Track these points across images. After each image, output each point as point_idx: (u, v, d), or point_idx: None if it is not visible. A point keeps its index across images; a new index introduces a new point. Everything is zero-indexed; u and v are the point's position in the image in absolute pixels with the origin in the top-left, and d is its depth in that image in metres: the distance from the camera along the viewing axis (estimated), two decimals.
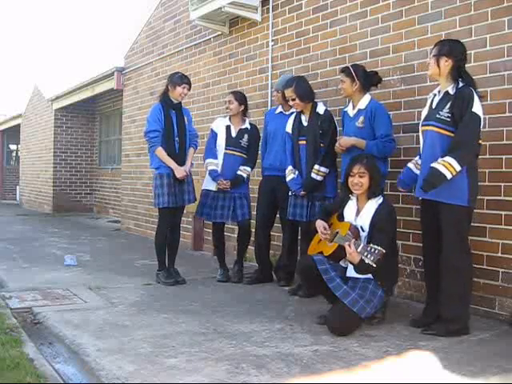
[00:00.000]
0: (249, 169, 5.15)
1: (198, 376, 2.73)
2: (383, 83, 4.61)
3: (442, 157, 3.35)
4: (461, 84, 3.43)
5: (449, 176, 3.32)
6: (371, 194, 3.67)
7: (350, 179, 3.69)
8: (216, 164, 5.08)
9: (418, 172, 3.68)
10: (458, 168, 3.31)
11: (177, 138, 5.01)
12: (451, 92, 3.45)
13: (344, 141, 4.19)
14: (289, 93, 4.55)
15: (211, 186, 5.10)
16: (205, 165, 5.16)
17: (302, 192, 4.52)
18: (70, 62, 21.49)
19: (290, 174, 4.65)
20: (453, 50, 3.49)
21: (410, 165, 3.81)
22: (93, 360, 2.95)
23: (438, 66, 3.49)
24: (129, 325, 3.64)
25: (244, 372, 2.79)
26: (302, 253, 4.67)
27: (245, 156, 5.14)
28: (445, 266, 3.45)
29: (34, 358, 2.99)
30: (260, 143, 5.25)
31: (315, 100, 4.63)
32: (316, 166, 4.46)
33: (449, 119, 3.39)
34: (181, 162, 5.00)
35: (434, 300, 3.60)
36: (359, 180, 3.65)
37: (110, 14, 39.19)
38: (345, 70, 4.26)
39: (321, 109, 4.56)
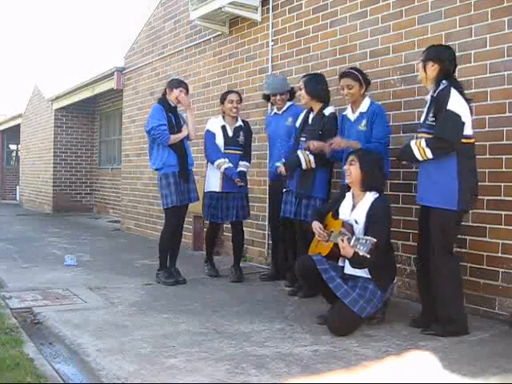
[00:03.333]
0: (248, 164, 5.22)
1: (198, 376, 2.73)
2: (383, 83, 4.62)
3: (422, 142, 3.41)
4: (442, 86, 3.41)
5: (418, 155, 3.41)
6: (365, 187, 3.65)
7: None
8: (228, 162, 5.07)
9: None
10: (430, 156, 3.37)
11: None
12: (434, 95, 3.45)
13: (340, 142, 4.15)
14: (299, 82, 4.62)
15: (215, 187, 5.12)
16: (216, 166, 5.11)
17: (279, 164, 4.56)
18: (70, 61, 21.47)
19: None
20: (439, 54, 3.48)
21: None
22: (93, 360, 2.95)
23: (425, 70, 3.50)
24: (129, 325, 3.64)
25: (244, 372, 2.79)
26: (298, 253, 4.67)
27: (242, 153, 5.20)
28: (433, 269, 3.45)
29: (34, 357, 2.98)
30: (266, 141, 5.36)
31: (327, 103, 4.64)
32: (307, 152, 4.43)
33: (434, 123, 3.39)
34: (183, 161, 5.02)
35: (428, 301, 3.61)
36: (348, 167, 3.68)
37: (110, 14, 39.20)
38: (350, 75, 4.19)
39: (327, 111, 4.57)
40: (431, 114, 3.41)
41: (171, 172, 4.96)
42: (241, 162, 5.15)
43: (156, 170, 5.09)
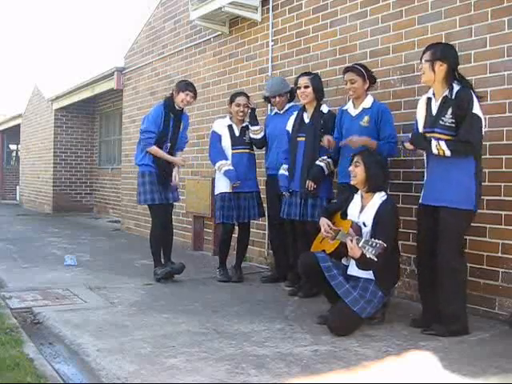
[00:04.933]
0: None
1: (198, 376, 2.73)
2: (383, 83, 4.62)
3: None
4: (457, 87, 3.40)
5: (434, 150, 3.37)
6: (370, 187, 3.66)
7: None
8: (229, 164, 5.06)
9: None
10: (448, 153, 3.34)
11: (168, 144, 5.14)
12: (450, 96, 3.41)
13: (357, 140, 4.06)
14: (304, 80, 4.56)
15: (225, 188, 5.09)
16: (217, 167, 5.12)
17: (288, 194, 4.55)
18: (70, 61, 21.49)
19: (282, 170, 4.74)
20: (446, 53, 3.45)
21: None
22: (93, 360, 2.95)
23: (433, 70, 3.44)
24: (129, 325, 3.64)
25: (244, 372, 2.79)
26: (299, 253, 4.66)
27: (251, 151, 5.20)
28: (442, 268, 3.44)
29: (34, 357, 2.98)
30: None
31: (321, 102, 4.63)
32: (324, 157, 4.44)
33: (453, 125, 3.36)
34: (162, 162, 5.11)
35: (429, 302, 3.61)
36: (353, 169, 3.70)
37: (110, 14, 39.19)
38: (354, 70, 4.21)
39: (325, 108, 4.58)
40: (449, 116, 3.37)
41: (148, 171, 5.07)
42: None
43: (137, 165, 5.23)
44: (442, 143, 3.35)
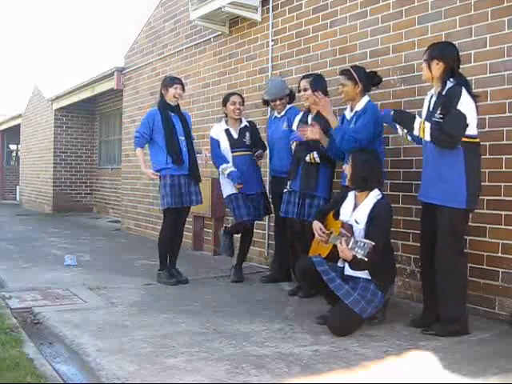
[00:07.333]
0: (262, 151, 5.21)
1: (198, 376, 2.73)
2: (383, 83, 4.60)
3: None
4: (450, 84, 3.43)
5: (416, 130, 3.44)
6: (359, 187, 3.64)
7: None
8: (231, 166, 5.04)
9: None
10: (428, 137, 3.38)
11: (182, 138, 5.05)
12: (443, 93, 3.45)
13: (311, 132, 4.21)
14: (302, 83, 4.58)
15: (231, 190, 5.08)
16: (220, 171, 5.10)
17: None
18: (70, 61, 21.50)
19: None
20: (444, 52, 3.48)
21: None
22: (93, 360, 2.95)
23: (430, 69, 3.49)
24: (129, 325, 3.64)
25: (244, 372, 2.79)
26: (296, 253, 4.66)
27: (251, 153, 5.17)
28: (439, 268, 3.45)
29: (34, 358, 2.99)
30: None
31: None
32: (314, 154, 4.40)
33: (441, 120, 3.38)
34: (191, 159, 5.06)
35: (431, 301, 3.61)
36: (347, 168, 3.71)
37: (110, 14, 39.21)
38: (345, 73, 4.12)
39: None
40: (438, 111, 3.40)
41: (169, 174, 4.98)
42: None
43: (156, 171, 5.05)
44: (427, 124, 3.39)
